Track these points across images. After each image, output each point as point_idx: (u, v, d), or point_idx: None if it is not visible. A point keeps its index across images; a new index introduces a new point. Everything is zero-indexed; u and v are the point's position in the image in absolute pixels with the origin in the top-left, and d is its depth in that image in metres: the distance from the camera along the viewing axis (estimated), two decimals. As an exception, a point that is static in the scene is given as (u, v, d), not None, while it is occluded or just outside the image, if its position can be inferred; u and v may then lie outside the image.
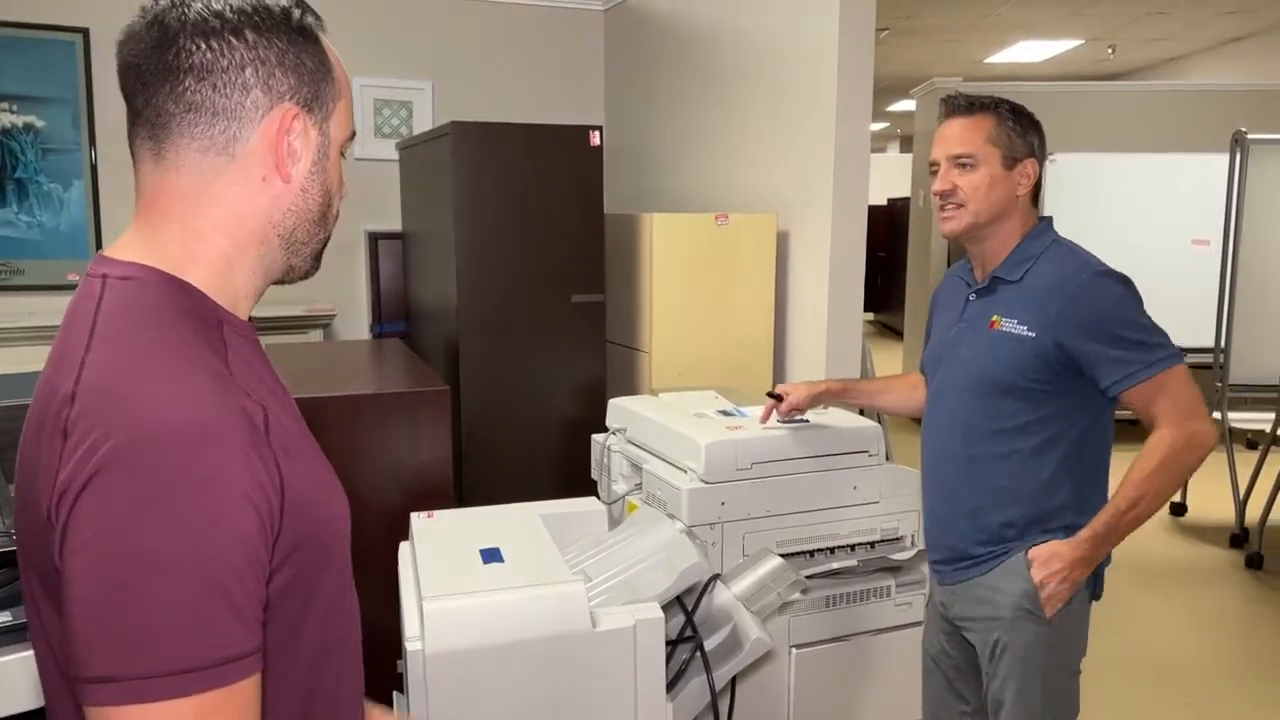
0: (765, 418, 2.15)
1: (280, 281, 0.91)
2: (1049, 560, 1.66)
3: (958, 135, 1.71)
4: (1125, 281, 1.65)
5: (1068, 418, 1.68)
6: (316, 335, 4.10)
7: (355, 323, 4.40)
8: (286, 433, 0.80)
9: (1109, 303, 1.63)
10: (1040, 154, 1.74)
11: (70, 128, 3.90)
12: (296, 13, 0.84)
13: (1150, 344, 1.62)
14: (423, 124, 4.36)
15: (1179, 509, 4.83)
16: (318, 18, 0.87)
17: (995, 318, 1.72)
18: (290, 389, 0.95)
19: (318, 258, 0.93)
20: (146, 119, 0.81)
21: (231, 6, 0.80)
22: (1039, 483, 1.69)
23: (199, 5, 0.80)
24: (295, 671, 0.84)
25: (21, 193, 3.88)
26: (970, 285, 1.81)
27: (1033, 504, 1.70)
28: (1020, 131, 1.71)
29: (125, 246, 0.83)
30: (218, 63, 0.80)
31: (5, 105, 3.82)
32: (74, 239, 3.95)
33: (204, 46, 0.79)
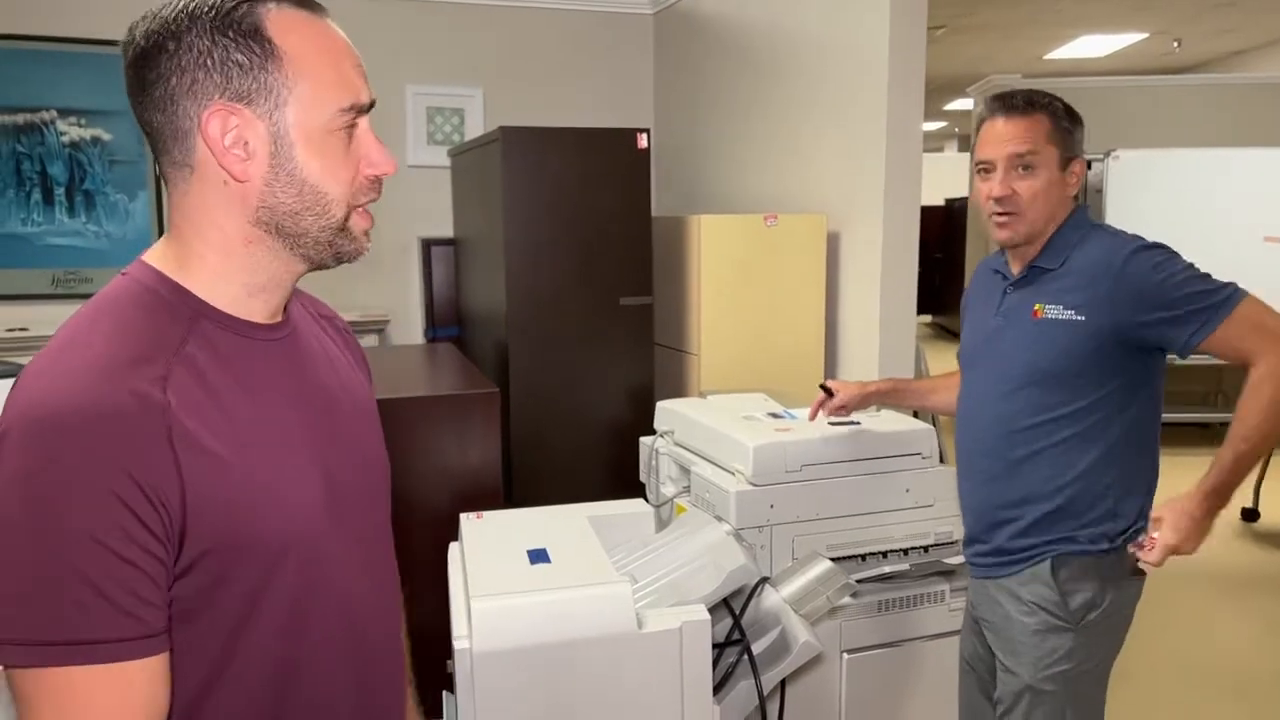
0: (814, 412, 2.12)
1: (320, 267, 0.91)
2: (1178, 519, 1.55)
3: (1019, 133, 1.66)
4: (1162, 246, 1.62)
5: (1113, 403, 1.64)
6: (371, 340, 4.17)
7: (410, 328, 4.46)
8: (226, 433, 0.81)
9: (1154, 270, 1.59)
10: (1082, 151, 1.71)
11: (135, 140, 4.01)
12: (228, 7, 0.82)
13: (1209, 290, 1.57)
14: (474, 131, 4.40)
15: (1251, 515, 4.67)
16: (299, 1, 0.85)
17: (1038, 306, 1.68)
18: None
19: (334, 243, 0.89)
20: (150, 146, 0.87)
21: (163, 20, 0.82)
22: (1083, 470, 1.65)
23: (140, 28, 0.83)
24: (251, 675, 0.85)
25: (89, 204, 4.02)
26: (1006, 277, 1.78)
27: (1076, 491, 1.66)
28: (1071, 129, 1.68)
29: (150, 250, 0.90)
30: (150, 78, 0.82)
31: (74, 119, 3.96)
32: (139, 248, 3.98)
33: (144, 68, 0.82)
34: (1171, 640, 3.40)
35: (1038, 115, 1.66)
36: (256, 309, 0.89)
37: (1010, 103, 1.68)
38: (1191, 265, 1.61)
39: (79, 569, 0.72)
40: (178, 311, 0.84)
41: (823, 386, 2.11)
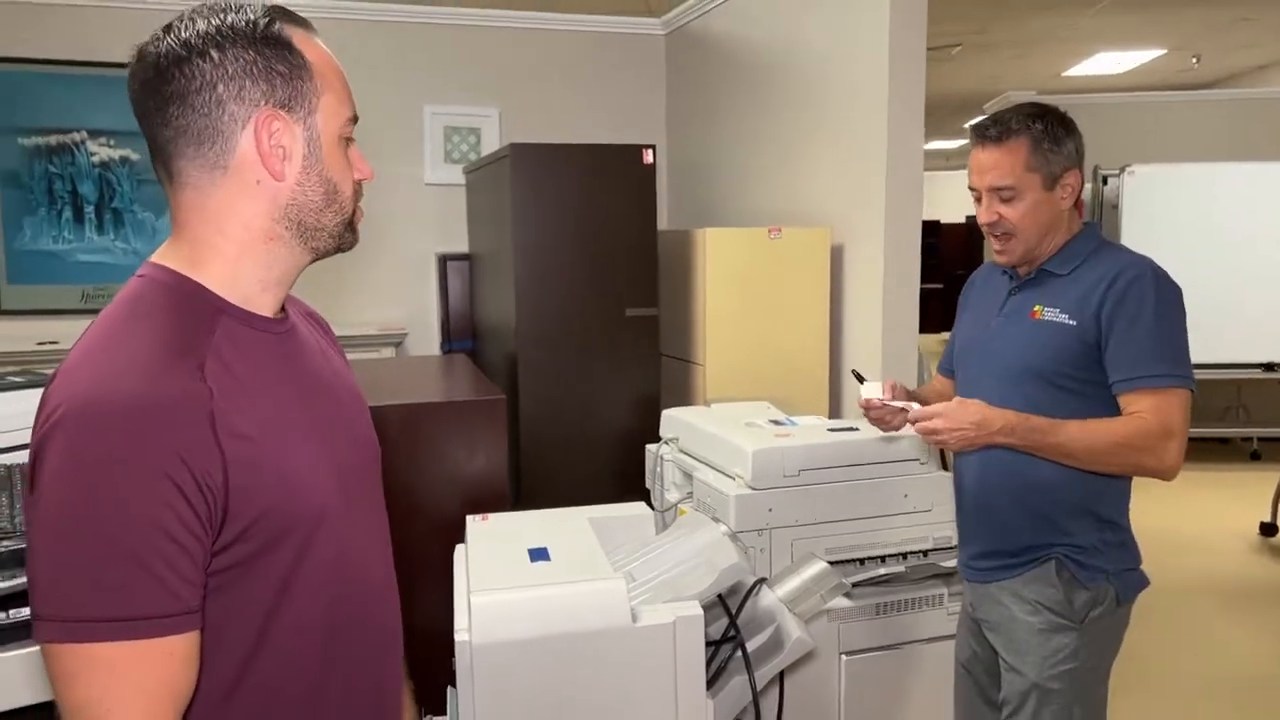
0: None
1: (321, 256, 0.99)
2: (959, 415, 1.61)
3: (994, 165, 1.67)
4: (1175, 292, 1.63)
5: (1107, 405, 1.65)
6: (389, 352, 4.25)
7: (427, 341, 4.54)
8: (256, 418, 0.87)
9: (1159, 302, 1.60)
10: (1081, 158, 1.71)
11: (163, 160, 4.15)
12: (263, 23, 0.90)
13: (1173, 359, 1.59)
14: (491, 149, 4.48)
15: (1269, 529, 4.62)
16: (300, 22, 0.93)
17: (1037, 307, 1.71)
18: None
19: (342, 235, 0.98)
20: (156, 147, 0.91)
21: (198, 32, 0.88)
22: (1077, 474, 1.66)
23: (170, 38, 0.88)
24: (301, 642, 0.91)
25: (118, 222, 4.15)
26: (1013, 278, 1.80)
27: (1076, 492, 1.67)
28: (1056, 147, 1.66)
29: (159, 252, 0.94)
30: (190, 86, 0.88)
31: (104, 140, 4.10)
32: (165, 264, 4.19)
33: (178, 75, 0.88)
34: (1188, 654, 3.38)
35: (1014, 143, 1.66)
36: (266, 304, 0.95)
37: (985, 134, 1.69)
38: (1185, 331, 1.61)
39: (129, 547, 0.76)
40: (201, 307, 0.90)
41: (854, 373, 2.04)
